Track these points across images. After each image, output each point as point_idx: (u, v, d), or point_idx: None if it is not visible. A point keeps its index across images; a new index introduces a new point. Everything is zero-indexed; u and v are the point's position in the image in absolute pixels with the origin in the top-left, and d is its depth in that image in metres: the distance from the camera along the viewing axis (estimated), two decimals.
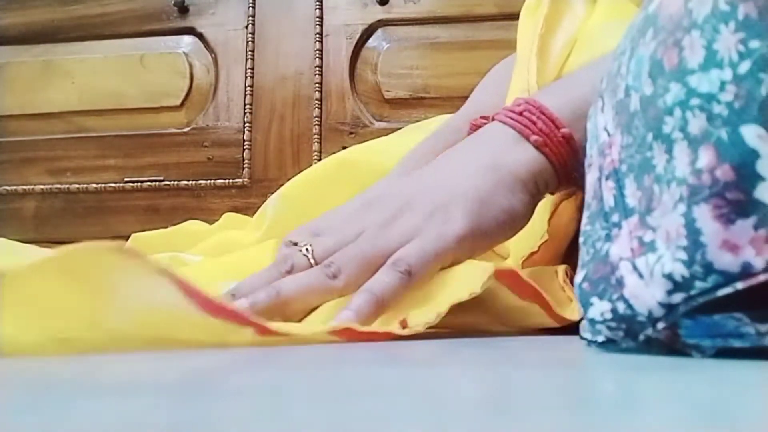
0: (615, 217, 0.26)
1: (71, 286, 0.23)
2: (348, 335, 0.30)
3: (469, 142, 0.41)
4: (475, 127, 0.43)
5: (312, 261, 0.36)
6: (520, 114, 0.40)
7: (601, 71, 0.31)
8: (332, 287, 0.34)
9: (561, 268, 0.42)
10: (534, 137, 0.39)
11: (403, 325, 0.32)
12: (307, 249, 0.36)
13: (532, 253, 0.45)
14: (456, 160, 0.39)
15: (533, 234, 0.42)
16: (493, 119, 0.41)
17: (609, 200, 0.27)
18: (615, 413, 0.14)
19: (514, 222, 0.38)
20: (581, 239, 0.29)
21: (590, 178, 0.29)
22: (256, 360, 0.24)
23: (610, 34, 0.48)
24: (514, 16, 0.59)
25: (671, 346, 0.24)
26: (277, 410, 0.13)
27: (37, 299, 0.23)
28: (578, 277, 0.28)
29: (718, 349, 0.23)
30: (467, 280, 0.34)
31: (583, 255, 0.28)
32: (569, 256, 0.46)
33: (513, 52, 0.57)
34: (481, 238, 0.37)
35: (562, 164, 0.39)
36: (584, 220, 0.29)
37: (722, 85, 0.22)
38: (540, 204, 0.41)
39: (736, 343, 0.22)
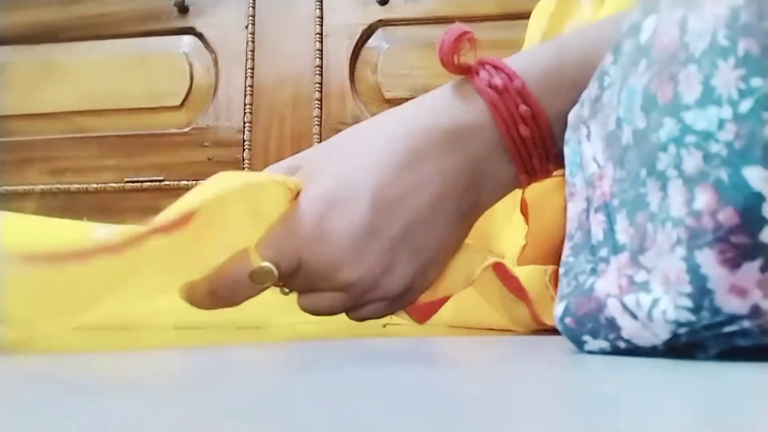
0: (603, 252, 0.26)
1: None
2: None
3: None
4: None
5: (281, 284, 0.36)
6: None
7: (589, 39, 0.30)
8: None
9: (550, 268, 0.42)
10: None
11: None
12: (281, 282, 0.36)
13: (524, 247, 0.45)
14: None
15: (519, 229, 0.42)
16: None
17: (597, 234, 0.26)
18: (615, 413, 0.14)
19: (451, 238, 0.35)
20: (561, 270, 0.28)
21: (574, 208, 0.28)
22: (256, 360, 0.24)
23: None
24: (514, 16, 0.59)
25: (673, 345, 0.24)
26: (277, 410, 0.13)
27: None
28: (558, 309, 0.27)
29: (720, 351, 0.23)
30: (463, 268, 0.35)
31: (563, 286, 0.28)
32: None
33: (513, 52, 0.57)
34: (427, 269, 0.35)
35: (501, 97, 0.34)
36: (566, 251, 0.28)
37: (721, 124, 0.21)
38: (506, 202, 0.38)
39: (741, 342, 0.22)
